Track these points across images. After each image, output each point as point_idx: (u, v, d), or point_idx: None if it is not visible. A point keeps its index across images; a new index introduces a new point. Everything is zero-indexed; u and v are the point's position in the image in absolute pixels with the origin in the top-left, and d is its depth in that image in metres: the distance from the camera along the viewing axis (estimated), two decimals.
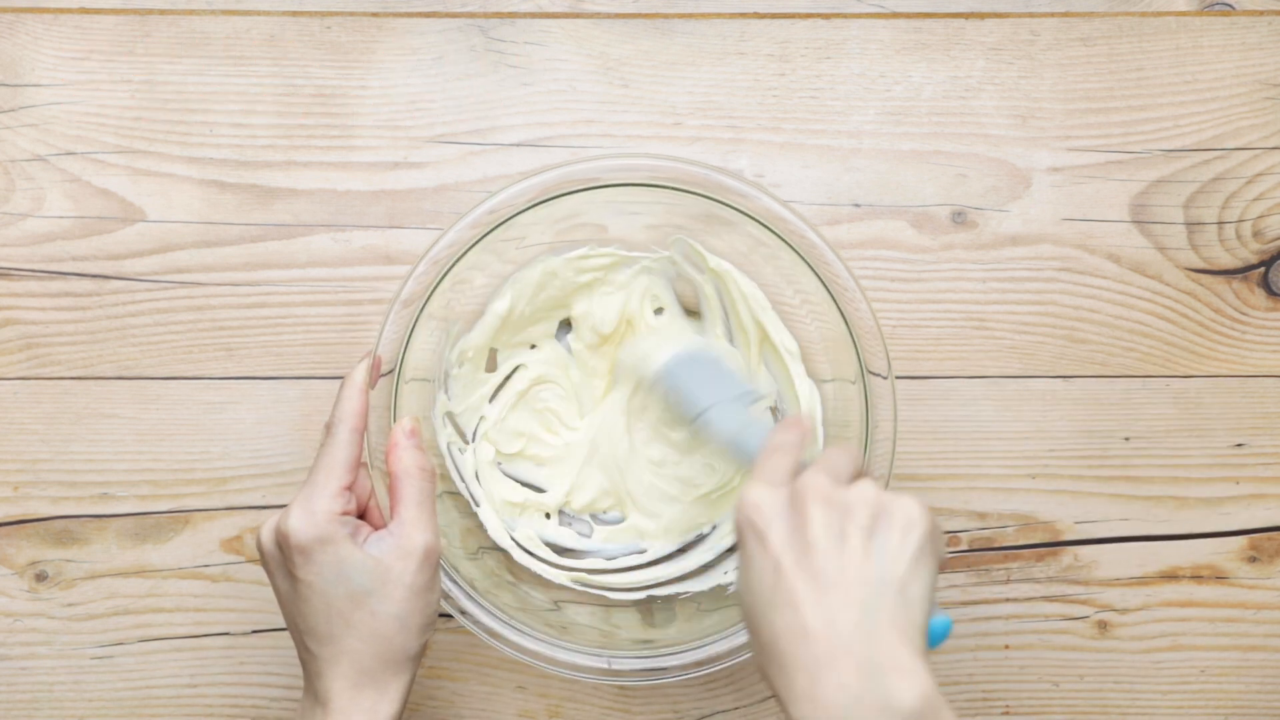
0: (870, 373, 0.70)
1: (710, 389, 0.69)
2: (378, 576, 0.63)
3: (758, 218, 0.69)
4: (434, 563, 0.64)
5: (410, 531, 0.64)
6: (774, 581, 0.56)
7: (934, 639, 0.57)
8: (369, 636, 0.63)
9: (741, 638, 0.70)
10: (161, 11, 0.78)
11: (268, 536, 0.64)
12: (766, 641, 0.56)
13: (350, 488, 0.65)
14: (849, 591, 0.54)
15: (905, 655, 0.53)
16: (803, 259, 0.70)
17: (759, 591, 0.56)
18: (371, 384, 0.68)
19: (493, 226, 0.69)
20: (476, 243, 0.69)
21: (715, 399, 0.68)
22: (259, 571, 0.77)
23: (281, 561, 0.64)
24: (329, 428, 0.66)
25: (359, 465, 0.66)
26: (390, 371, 0.69)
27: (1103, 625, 0.78)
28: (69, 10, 0.78)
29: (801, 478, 0.58)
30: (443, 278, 0.69)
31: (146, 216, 0.78)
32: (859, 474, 0.60)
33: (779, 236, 0.69)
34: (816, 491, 0.57)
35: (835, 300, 0.69)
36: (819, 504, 0.56)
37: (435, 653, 0.78)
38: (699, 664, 0.70)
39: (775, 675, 0.55)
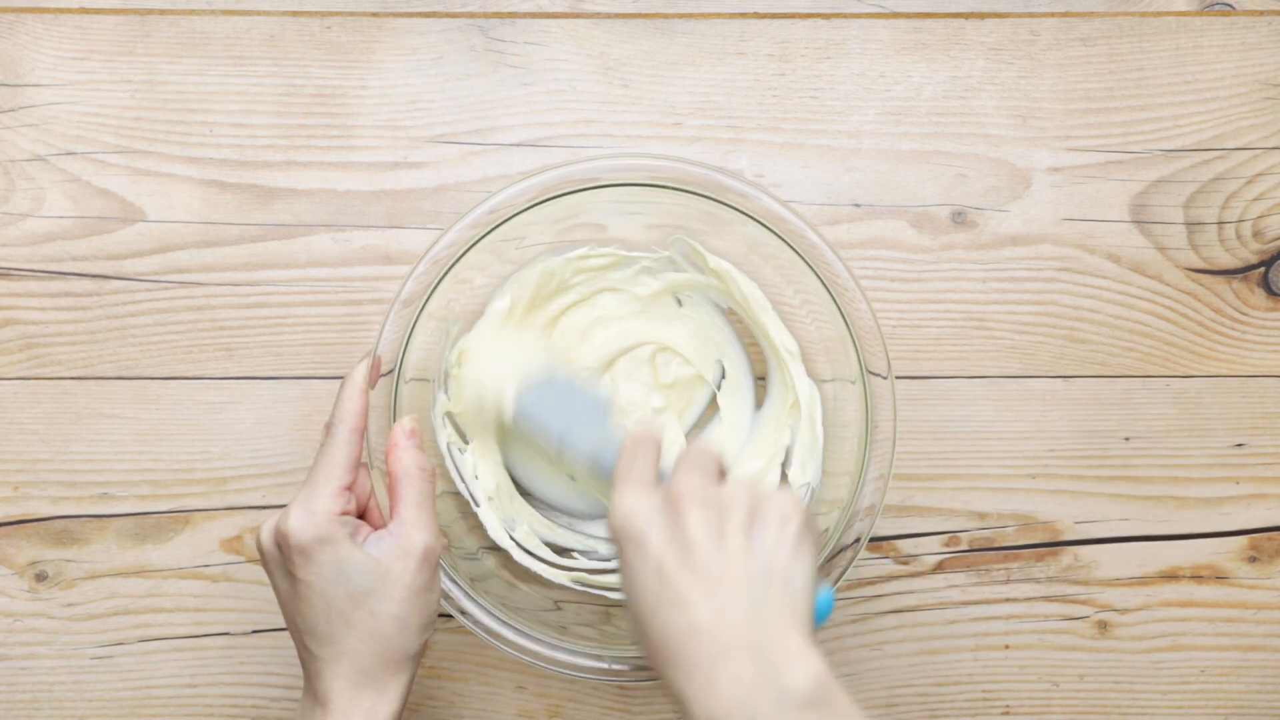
0: (870, 373, 0.70)
1: (561, 413, 0.67)
2: (377, 576, 0.63)
3: (758, 218, 0.69)
4: (434, 563, 0.64)
5: (410, 531, 0.64)
6: (659, 585, 0.56)
7: (820, 615, 0.58)
8: (369, 636, 0.63)
9: None
10: (161, 11, 0.78)
11: (267, 536, 0.64)
12: (659, 644, 0.56)
13: (350, 488, 0.65)
14: (734, 587, 0.56)
15: (795, 641, 0.55)
16: (803, 259, 0.69)
17: (645, 596, 0.57)
18: (371, 384, 0.68)
19: (493, 226, 0.69)
20: (476, 243, 0.69)
21: (568, 423, 0.66)
22: (259, 571, 0.77)
23: (281, 561, 0.64)
24: (329, 428, 0.65)
25: (359, 465, 0.66)
26: (390, 371, 0.69)
27: (1103, 625, 0.78)
28: (69, 10, 0.78)
29: (673, 480, 0.59)
30: (443, 278, 0.69)
31: (146, 216, 0.78)
32: (723, 470, 0.60)
33: (779, 236, 0.69)
34: (690, 493, 0.58)
35: (835, 300, 0.69)
36: (694, 505, 0.57)
37: (435, 653, 0.78)
38: None
39: (672, 675, 0.56)
